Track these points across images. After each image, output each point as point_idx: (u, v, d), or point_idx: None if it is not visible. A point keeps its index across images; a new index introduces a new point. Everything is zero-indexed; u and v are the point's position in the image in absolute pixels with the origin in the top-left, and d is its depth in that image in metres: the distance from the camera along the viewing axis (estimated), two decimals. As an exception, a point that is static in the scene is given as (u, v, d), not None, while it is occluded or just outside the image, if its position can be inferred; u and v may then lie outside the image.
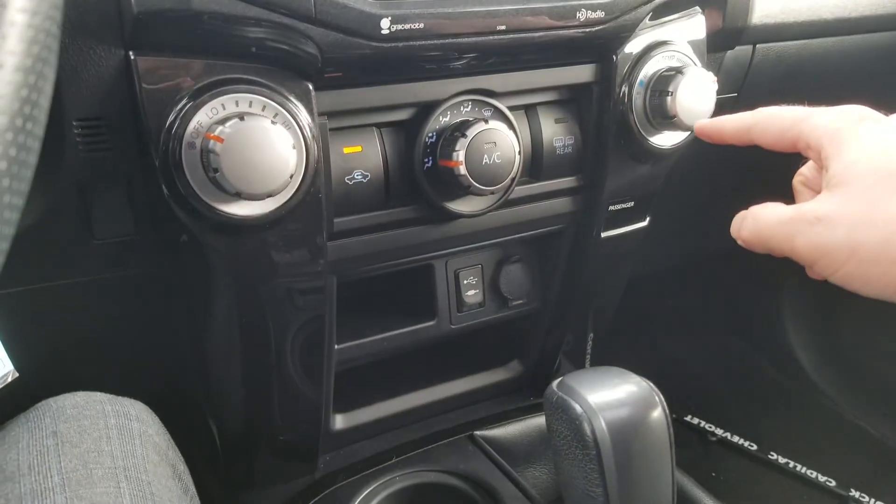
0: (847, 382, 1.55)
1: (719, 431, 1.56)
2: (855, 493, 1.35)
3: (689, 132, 0.78)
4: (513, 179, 0.70)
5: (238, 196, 0.55)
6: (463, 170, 0.66)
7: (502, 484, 0.79)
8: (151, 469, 0.55)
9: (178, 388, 0.85)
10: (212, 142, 0.54)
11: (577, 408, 0.51)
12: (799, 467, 1.44)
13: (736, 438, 1.54)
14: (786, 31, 0.89)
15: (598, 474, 0.50)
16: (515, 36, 0.64)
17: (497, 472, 0.81)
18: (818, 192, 0.47)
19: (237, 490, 0.83)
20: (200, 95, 0.56)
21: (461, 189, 0.68)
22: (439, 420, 0.91)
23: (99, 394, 0.60)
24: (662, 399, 0.53)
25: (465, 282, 0.83)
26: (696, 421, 1.59)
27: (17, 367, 0.55)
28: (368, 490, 0.78)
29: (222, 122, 0.54)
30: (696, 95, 0.74)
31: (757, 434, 1.49)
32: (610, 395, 0.52)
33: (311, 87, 0.60)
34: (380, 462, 0.82)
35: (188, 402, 0.85)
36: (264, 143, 0.54)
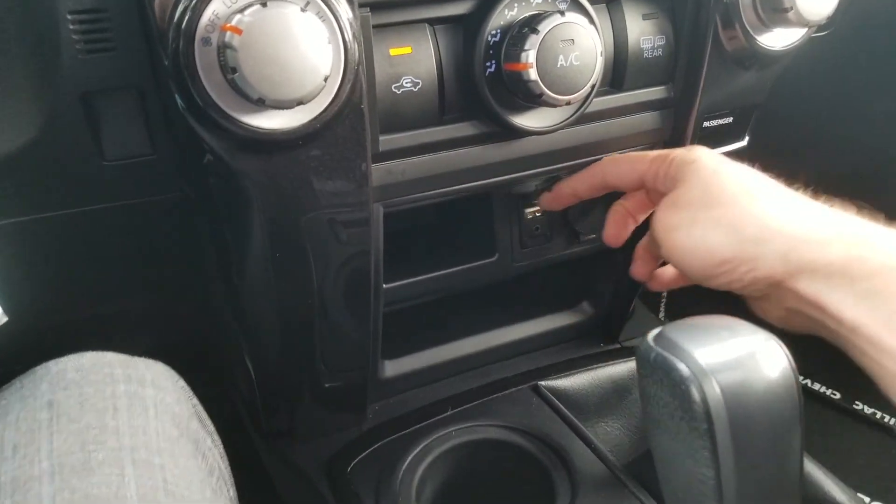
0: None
1: (799, 378, 1.44)
2: (950, 448, 1.23)
3: (806, 29, 0.64)
4: (593, 87, 0.58)
5: (262, 103, 0.45)
6: (534, 73, 0.55)
7: (572, 442, 0.69)
8: (167, 448, 0.46)
9: (212, 330, 0.77)
10: (228, 34, 0.43)
11: (684, 368, 0.40)
12: (887, 418, 1.32)
13: (817, 386, 1.42)
14: None
15: (709, 452, 0.40)
16: None
17: (565, 429, 0.71)
18: (655, 257, 0.67)
19: (279, 442, 0.75)
20: (216, -21, 0.45)
21: (531, 98, 0.57)
22: (499, 368, 0.82)
23: (110, 354, 0.50)
24: (790, 357, 0.42)
25: (530, 216, 0.72)
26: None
27: (12, 313, 0.46)
28: (423, 445, 0.69)
29: (242, 10, 0.44)
30: (822, -19, 0.60)
31: (840, 381, 1.36)
32: (724, 353, 0.41)
33: (348, -32, 0.49)
34: (434, 414, 0.73)
35: (224, 346, 0.77)
36: (293, 36, 0.44)
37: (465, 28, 0.57)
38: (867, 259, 0.47)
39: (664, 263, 0.69)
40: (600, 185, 0.66)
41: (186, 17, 0.45)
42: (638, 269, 0.69)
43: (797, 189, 0.56)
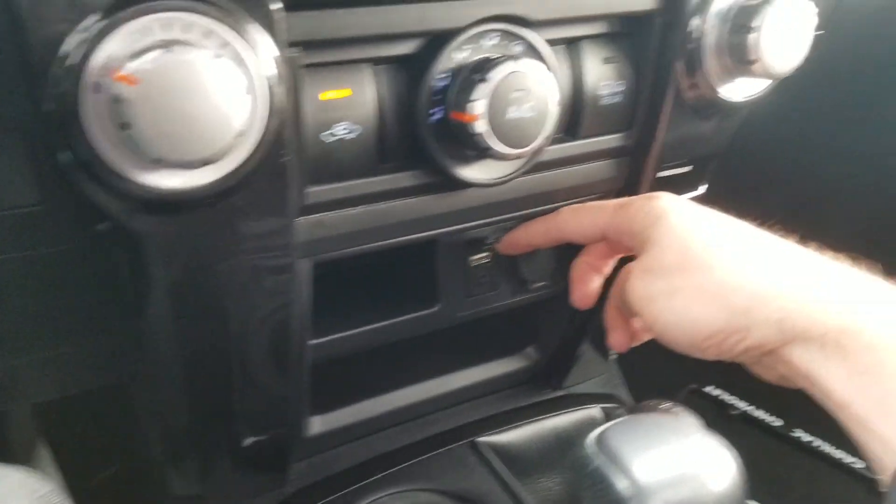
0: None
1: (742, 405, 1.44)
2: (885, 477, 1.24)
3: (770, 81, 0.60)
4: (546, 139, 0.53)
5: (160, 163, 0.38)
6: (482, 126, 0.49)
7: (511, 510, 0.65)
8: None
9: (115, 380, 0.69)
10: (120, 84, 0.36)
11: (625, 487, 0.36)
12: (825, 447, 1.33)
13: (759, 413, 1.42)
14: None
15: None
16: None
17: (503, 494, 0.67)
18: (628, 320, 0.61)
19: (188, 507, 0.68)
20: (114, 13, 0.37)
21: (478, 150, 0.51)
22: (438, 419, 0.76)
23: None
24: (739, 464, 0.38)
25: (476, 264, 0.67)
26: (716, 393, 1.46)
27: None
28: (349, 514, 0.63)
29: (141, 54, 0.37)
30: (787, 34, 0.56)
31: (781, 409, 1.37)
32: (667, 465, 0.37)
33: (278, 6, 0.42)
34: (363, 477, 0.67)
35: (125, 398, 0.70)
36: (202, 87, 0.37)
37: (410, 70, 0.51)
38: (862, 331, 0.43)
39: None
40: (557, 237, 0.62)
41: (73, 56, 0.37)
42: (617, 341, 0.62)
43: (773, 230, 0.52)
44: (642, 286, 0.51)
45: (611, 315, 0.62)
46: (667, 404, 0.67)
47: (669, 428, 0.42)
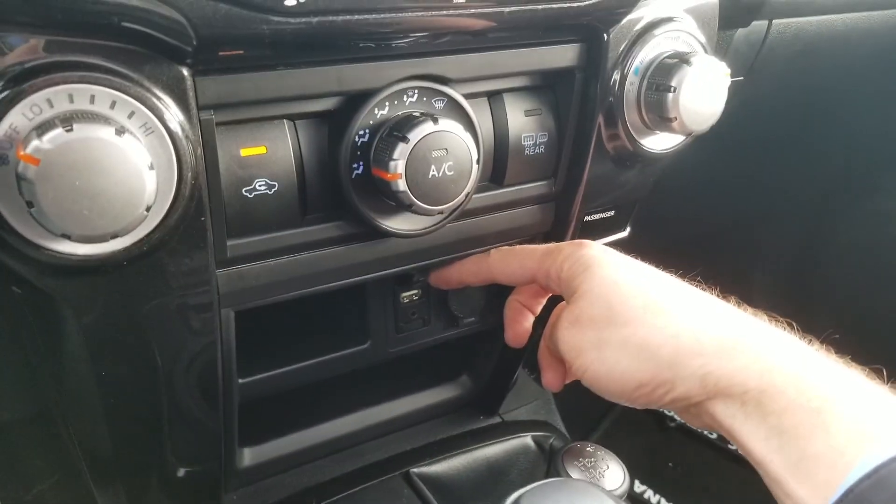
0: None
1: (679, 417, 1.48)
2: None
3: (687, 136, 0.62)
4: (467, 195, 0.54)
5: (68, 238, 0.38)
6: (403, 185, 0.50)
7: (440, 545, 0.66)
8: None
9: (38, 408, 0.69)
10: (22, 163, 0.36)
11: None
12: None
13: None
14: (808, 5, 0.73)
15: None
16: (480, 10, 0.47)
17: (435, 528, 0.68)
18: (562, 360, 0.59)
19: (120, 541, 0.68)
20: (18, 84, 0.38)
21: (401, 206, 0.52)
22: (372, 448, 0.78)
23: None
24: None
25: (406, 301, 0.68)
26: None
27: None
28: (280, 548, 0.64)
29: (42, 132, 0.37)
30: (704, 93, 0.58)
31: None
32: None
33: (186, 72, 0.42)
34: (296, 509, 0.68)
35: (55, 429, 0.69)
36: (104, 166, 0.37)
37: (330, 125, 0.52)
38: (782, 393, 0.44)
39: None
40: (487, 278, 0.63)
41: (-25, 128, 0.37)
42: (550, 380, 0.63)
43: (695, 282, 0.54)
44: (571, 336, 0.53)
45: (543, 355, 0.63)
46: (591, 447, 0.67)
47: (583, 494, 0.43)
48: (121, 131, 0.38)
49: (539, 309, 0.66)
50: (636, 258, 0.55)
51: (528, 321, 0.66)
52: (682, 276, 0.54)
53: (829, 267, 1.36)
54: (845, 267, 1.34)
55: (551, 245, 0.59)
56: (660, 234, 1.07)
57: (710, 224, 1.15)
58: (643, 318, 0.50)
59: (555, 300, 0.64)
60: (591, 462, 0.61)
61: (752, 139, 0.92)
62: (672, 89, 0.57)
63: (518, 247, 0.63)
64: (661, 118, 0.59)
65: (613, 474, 0.60)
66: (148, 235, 0.42)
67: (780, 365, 0.46)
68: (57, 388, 0.60)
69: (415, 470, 0.74)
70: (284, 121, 0.51)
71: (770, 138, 0.95)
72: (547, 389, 0.64)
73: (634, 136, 0.61)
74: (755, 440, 0.45)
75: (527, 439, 0.81)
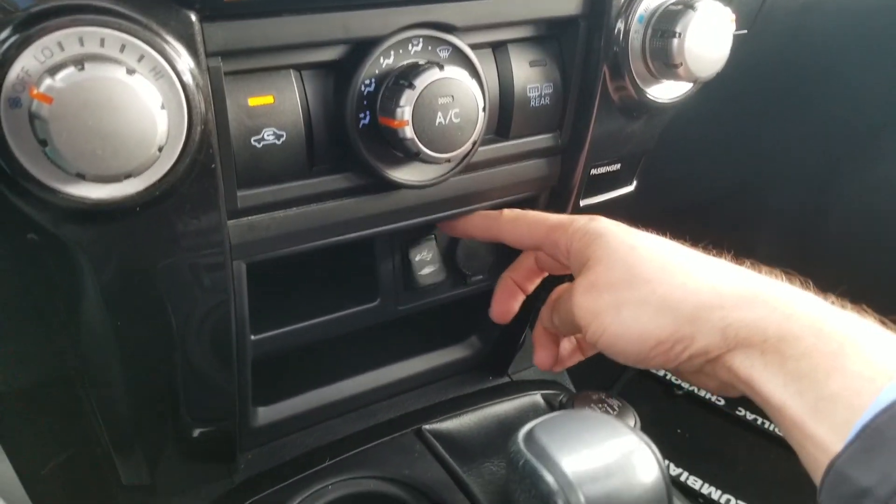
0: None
1: (686, 385, 1.49)
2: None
3: (693, 83, 0.63)
4: (474, 143, 0.55)
5: (82, 178, 0.39)
6: (410, 132, 0.51)
7: (452, 496, 0.67)
8: None
9: (58, 375, 0.70)
10: (36, 102, 0.37)
11: (551, 481, 0.38)
12: (767, 424, 1.38)
13: (703, 392, 1.47)
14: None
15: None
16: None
17: (448, 480, 0.69)
18: (556, 341, 0.64)
19: (139, 497, 0.69)
20: (27, 28, 0.38)
21: (408, 155, 0.53)
22: (383, 408, 0.79)
23: None
24: (660, 459, 0.40)
25: (417, 258, 0.69)
26: (662, 373, 1.51)
27: None
28: (297, 502, 0.65)
29: (54, 72, 0.37)
30: (709, 39, 0.58)
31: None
32: (594, 461, 0.39)
33: (193, 17, 0.43)
34: (311, 465, 0.69)
35: (73, 390, 0.70)
36: (116, 105, 0.38)
37: (337, 76, 0.52)
38: (799, 339, 0.45)
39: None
40: (494, 236, 0.64)
41: (-10, 72, 0.38)
42: (542, 359, 0.64)
43: (709, 252, 0.54)
44: (587, 301, 0.53)
45: (539, 334, 0.65)
46: (602, 394, 0.69)
47: (597, 425, 0.43)
48: (131, 71, 0.38)
49: (531, 288, 0.67)
50: (642, 226, 0.56)
51: (518, 300, 0.67)
52: (692, 244, 0.55)
53: (836, 232, 1.36)
54: (853, 232, 1.34)
55: (563, 216, 0.59)
56: (667, 199, 1.07)
57: (716, 189, 1.15)
58: (662, 277, 0.50)
59: (549, 283, 0.65)
60: (602, 407, 0.62)
61: (757, 102, 0.91)
62: (677, 35, 0.57)
63: (530, 212, 0.63)
64: (666, 65, 0.59)
65: (625, 417, 0.60)
66: (160, 179, 0.43)
67: (798, 313, 0.46)
68: (74, 348, 0.61)
69: (426, 427, 0.75)
70: (291, 71, 0.51)
71: (774, 100, 0.95)
72: (540, 367, 0.66)
73: (640, 85, 0.61)
74: (774, 386, 0.45)
75: (536, 397, 0.82)
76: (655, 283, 0.50)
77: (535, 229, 0.59)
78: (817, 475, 0.42)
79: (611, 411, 0.62)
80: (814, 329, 0.45)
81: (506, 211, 0.64)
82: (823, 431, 0.42)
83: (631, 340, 0.50)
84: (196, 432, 0.65)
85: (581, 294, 0.53)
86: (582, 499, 0.38)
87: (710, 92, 0.66)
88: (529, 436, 0.42)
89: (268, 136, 0.50)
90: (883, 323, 0.46)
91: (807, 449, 0.44)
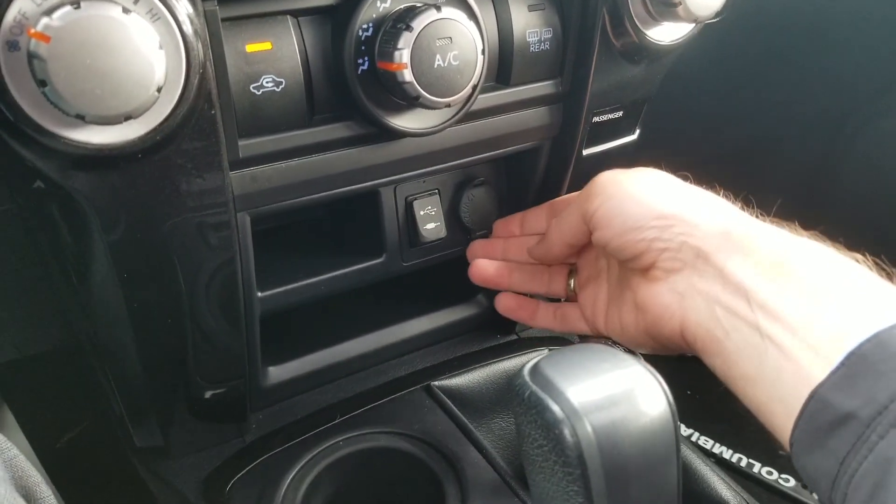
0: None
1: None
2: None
3: (694, 24, 0.62)
4: (475, 87, 0.54)
5: (83, 119, 0.39)
6: (408, 75, 0.50)
7: (463, 448, 0.67)
8: None
9: (69, 340, 0.71)
10: (34, 41, 0.37)
11: (556, 410, 0.38)
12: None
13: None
14: None
15: (583, 498, 0.38)
16: None
17: (458, 433, 0.69)
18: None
19: (152, 459, 0.70)
20: (23, -32, 0.38)
21: (408, 100, 0.52)
22: (392, 366, 0.79)
23: None
24: (667, 389, 0.40)
25: (421, 212, 0.69)
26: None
27: None
28: (307, 459, 0.66)
29: (51, 11, 0.37)
30: (710, -25, 0.57)
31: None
32: (599, 389, 0.39)
33: (188, -42, 0.42)
34: (321, 423, 0.70)
35: (84, 357, 0.71)
36: (112, 43, 0.38)
37: (334, 22, 0.52)
38: (808, 261, 0.46)
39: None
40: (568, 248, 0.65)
41: (-14, 14, 0.38)
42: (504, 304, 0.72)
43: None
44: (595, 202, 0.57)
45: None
46: (609, 341, 0.69)
47: (602, 357, 0.43)
48: (127, 11, 0.38)
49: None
50: None
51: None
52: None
53: (844, 190, 1.35)
54: (861, 189, 1.33)
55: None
56: (673, 155, 1.06)
57: (723, 145, 1.14)
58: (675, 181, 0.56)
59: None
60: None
61: (763, 55, 0.90)
62: (676, -27, 0.56)
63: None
64: (665, 5, 0.58)
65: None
66: (161, 123, 0.42)
67: (803, 245, 0.48)
68: (84, 310, 0.62)
69: (435, 383, 0.75)
70: (288, 17, 0.51)
71: (779, 54, 0.93)
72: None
73: (640, 27, 0.60)
74: (771, 294, 0.46)
75: (545, 352, 0.82)
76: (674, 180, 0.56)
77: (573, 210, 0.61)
78: (792, 403, 0.42)
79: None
80: (809, 254, 0.47)
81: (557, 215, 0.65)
82: (809, 358, 0.42)
83: (641, 203, 0.54)
84: (207, 392, 0.66)
85: (582, 203, 0.59)
86: (588, 427, 0.38)
87: (714, 44, 0.66)
88: (535, 369, 0.42)
89: (266, 83, 0.50)
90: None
91: (786, 373, 0.44)
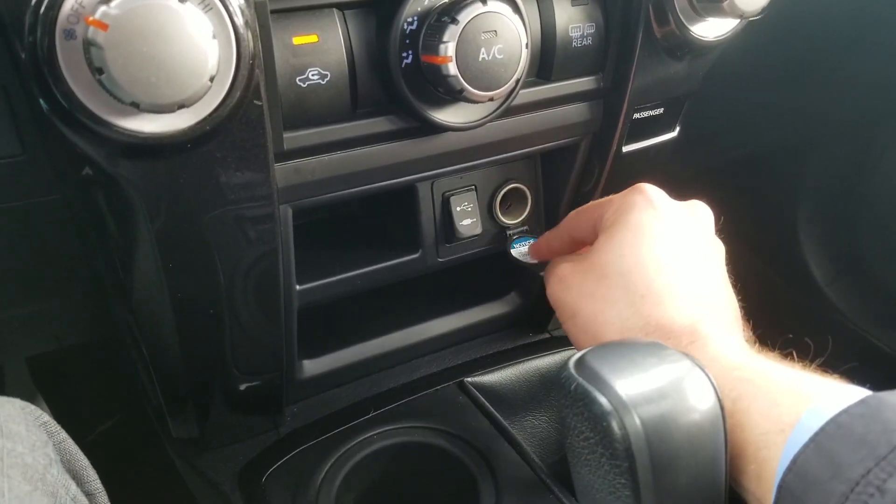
0: (860, 297, 1.44)
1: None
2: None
3: (739, 20, 0.61)
4: (517, 81, 0.54)
5: (137, 107, 0.39)
6: (453, 68, 0.50)
7: (496, 444, 0.67)
8: None
9: (107, 332, 0.72)
10: (92, 29, 0.37)
11: (604, 402, 0.38)
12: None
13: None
14: None
15: (630, 491, 0.38)
16: None
17: (491, 429, 0.69)
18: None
19: (189, 450, 0.71)
20: (81, -41, 0.39)
21: (451, 93, 0.52)
22: (426, 363, 0.79)
23: None
24: (715, 383, 0.40)
25: (457, 208, 0.68)
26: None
27: None
28: (342, 452, 0.66)
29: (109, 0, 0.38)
30: (757, -30, 0.57)
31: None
32: (647, 383, 0.39)
33: (240, -50, 0.43)
34: (355, 416, 0.70)
35: (121, 349, 0.72)
36: (169, 32, 0.38)
37: (379, 15, 0.52)
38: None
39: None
40: (569, 239, 0.63)
41: (44, 4, 0.38)
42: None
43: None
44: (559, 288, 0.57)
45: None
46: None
47: (649, 351, 0.43)
48: (182, 1, 0.39)
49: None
50: (684, 183, 0.55)
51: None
52: (730, 205, 0.53)
53: (875, 198, 1.33)
54: (892, 198, 1.30)
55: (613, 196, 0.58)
56: (707, 156, 1.05)
57: (754, 147, 1.12)
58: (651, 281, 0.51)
59: None
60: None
61: (796, 61, 0.89)
62: (723, -33, 0.56)
63: (580, 211, 0.62)
64: (712, 1, 0.57)
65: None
66: (211, 113, 0.43)
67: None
68: (127, 300, 0.62)
69: (468, 379, 0.75)
70: (334, 10, 0.51)
71: (815, 59, 0.92)
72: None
73: (685, 22, 0.60)
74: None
75: (576, 351, 0.81)
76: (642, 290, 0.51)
77: (594, 212, 0.58)
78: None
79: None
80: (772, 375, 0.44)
81: (569, 216, 0.63)
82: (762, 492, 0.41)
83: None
84: (245, 384, 0.66)
85: (556, 280, 0.58)
86: (637, 420, 0.37)
87: (750, 57, 0.65)
88: (581, 361, 0.42)
89: (312, 75, 0.51)
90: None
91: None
